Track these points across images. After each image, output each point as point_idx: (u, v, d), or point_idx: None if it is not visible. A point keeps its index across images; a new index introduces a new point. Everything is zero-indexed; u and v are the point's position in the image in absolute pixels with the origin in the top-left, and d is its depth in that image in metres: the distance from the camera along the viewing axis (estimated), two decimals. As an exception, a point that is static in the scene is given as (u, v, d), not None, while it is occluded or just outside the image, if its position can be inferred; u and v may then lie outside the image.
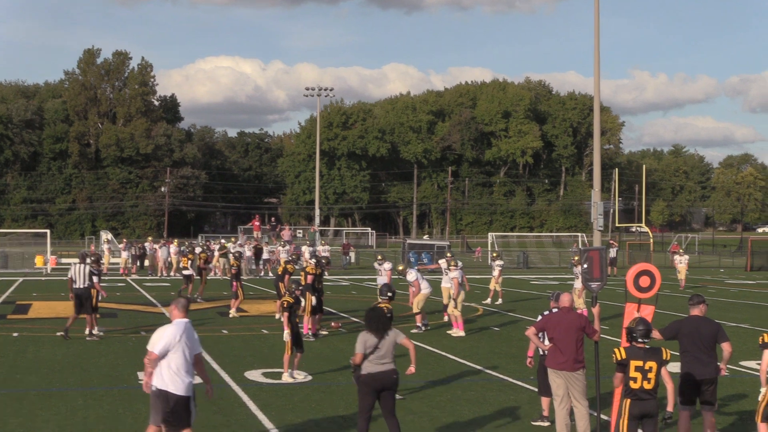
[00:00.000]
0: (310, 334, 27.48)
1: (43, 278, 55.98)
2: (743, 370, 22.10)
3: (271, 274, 56.20)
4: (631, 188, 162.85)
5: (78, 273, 27.65)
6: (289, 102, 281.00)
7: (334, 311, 34.57)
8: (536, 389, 17.22)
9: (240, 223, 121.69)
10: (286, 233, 77.23)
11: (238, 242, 65.48)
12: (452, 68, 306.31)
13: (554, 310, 15.43)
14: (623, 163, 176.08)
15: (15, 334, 28.47)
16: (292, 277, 30.56)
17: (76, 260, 28.97)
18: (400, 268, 31.89)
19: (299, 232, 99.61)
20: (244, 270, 54.66)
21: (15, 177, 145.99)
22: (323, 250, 63.96)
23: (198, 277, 41.26)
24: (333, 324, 30.02)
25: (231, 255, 57.25)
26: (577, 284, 33.13)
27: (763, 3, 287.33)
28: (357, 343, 13.72)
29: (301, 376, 20.62)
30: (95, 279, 28.39)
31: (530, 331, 15.16)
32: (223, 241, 68.85)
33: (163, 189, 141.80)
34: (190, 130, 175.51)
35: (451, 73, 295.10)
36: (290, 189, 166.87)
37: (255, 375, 21.07)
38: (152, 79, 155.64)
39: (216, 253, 56.09)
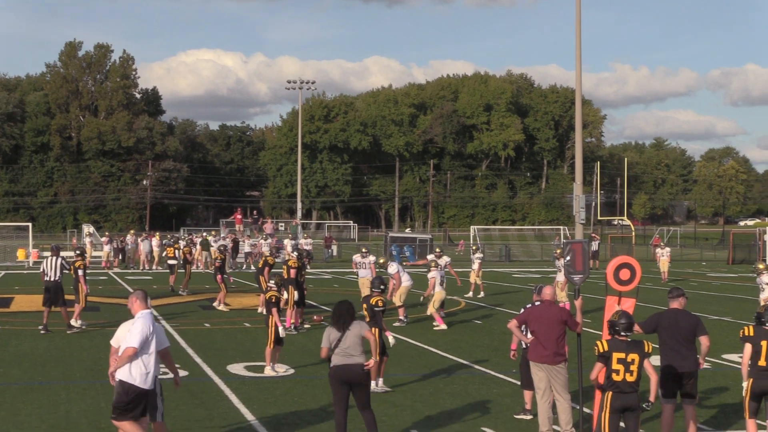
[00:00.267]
0: (292, 327, 27.51)
1: (25, 271, 55.87)
2: (725, 363, 22.18)
3: (252, 267, 56.15)
4: (612, 181, 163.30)
5: (50, 266, 27.62)
6: (270, 95, 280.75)
7: (315, 304, 34.59)
8: (519, 382, 17.25)
9: (222, 216, 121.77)
10: (268, 226, 77.06)
11: (222, 235, 65.36)
12: (434, 61, 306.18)
13: (537, 303, 15.47)
14: (605, 157, 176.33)
15: (-3, 328, 28.44)
16: (273, 270, 30.55)
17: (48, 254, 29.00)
18: (381, 261, 31.97)
19: (281, 226, 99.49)
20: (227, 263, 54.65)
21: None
22: (305, 243, 63.90)
23: (182, 270, 41.39)
24: (315, 317, 30.04)
25: (212, 248, 57.37)
26: (560, 277, 33.15)
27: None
28: (323, 337, 13.99)
29: (282, 370, 20.64)
30: (80, 273, 28.47)
31: (512, 324, 15.19)
32: (204, 234, 68.90)
33: (145, 182, 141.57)
34: (172, 123, 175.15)
35: (433, 66, 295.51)
36: (272, 182, 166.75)
37: (237, 368, 21.07)
38: (134, 72, 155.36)
39: (198, 247, 56.08)
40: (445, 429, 15.38)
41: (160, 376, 13.33)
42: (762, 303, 27.43)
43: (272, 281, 22.70)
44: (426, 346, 24.89)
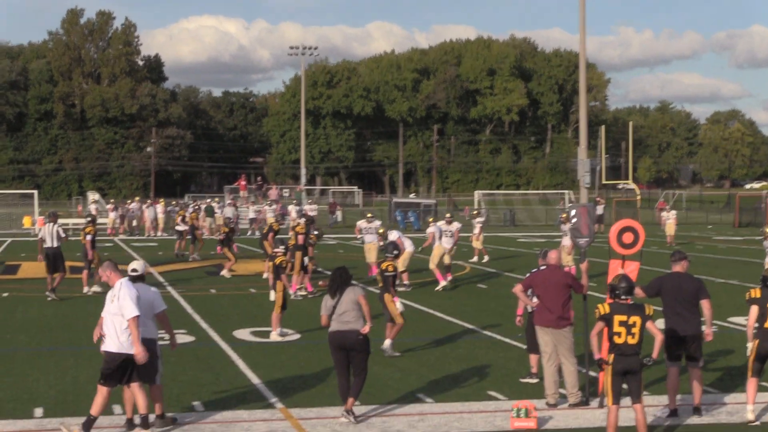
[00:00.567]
0: (298, 293, 27.57)
1: (31, 239, 55.96)
2: (731, 325, 22.25)
3: (257, 233, 56.22)
4: (617, 145, 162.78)
5: (48, 233, 27.67)
6: (273, 61, 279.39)
7: (321, 270, 34.65)
8: (525, 346, 17.30)
9: (226, 182, 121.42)
10: (272, 193, 77.27)
11: (227, 202, 65.40)
12: (436, 26, 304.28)
13: (542, 267, 15.49)
14: (609, 120, 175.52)
15: (5, 294, 28.57)
16: (278, 236, 30.62)
17: (47, 220, 29.11)
18: (381, 231, 32.03)
19: (285, 192, 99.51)
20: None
21: (1, 138, 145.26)
22: (310, 209, 63.93)
23: (190, 237, 41.47)
24: (321, 283, 30.09)
25: (217, 215, 57.53)
26: (566, 241, 33.23)
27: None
28: (321, 305, 14.21)
29: (288, 334, 20.74)
30: (88, 238, 28.72)
31: (517, 289, 15.24)
32: (208, 200, 69.04)
33: (148, 149, 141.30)
34: (175, 90, 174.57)
35: (435, 31, 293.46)
36: (276, 148, 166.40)
37: (243, 334, 21.16)
38: (136, 39, 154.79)
39: (202, 213, 56.21)
40: (452, 393, 15.44)
41: (159, 342, 13.45)
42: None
43: (281, 246, 22.76)
44: (431, 311, 24.98)
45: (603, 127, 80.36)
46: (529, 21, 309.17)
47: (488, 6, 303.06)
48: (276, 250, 22.73)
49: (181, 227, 42.48)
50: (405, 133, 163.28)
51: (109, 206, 64.15)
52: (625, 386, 12.43)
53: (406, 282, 29.83)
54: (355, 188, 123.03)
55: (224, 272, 34.02)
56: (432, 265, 30.50)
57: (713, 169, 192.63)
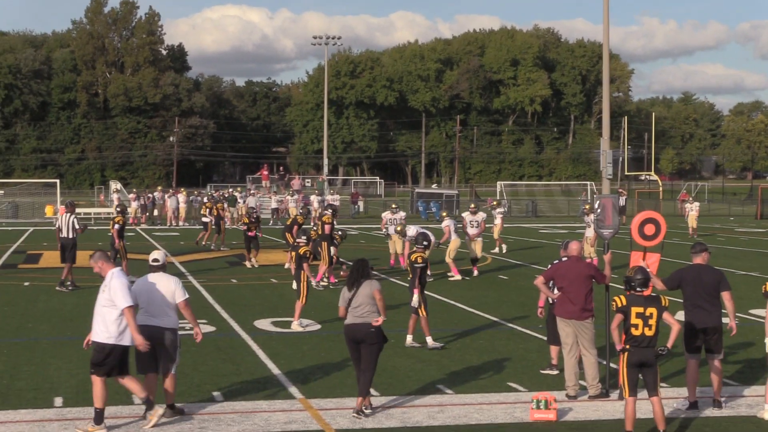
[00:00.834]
0: (320, 283, 27.54)
1: (53, 228, 56.11)
2: (752, 318, 22.16)
3: (280, 223, 56.27)
4: (640, 136, 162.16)
5: (64, 223, 27.63)
6: (296, 51, 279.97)
7: (343, 260, 34.66)
8: (545, 338, 17.28)
9: (249, 172, 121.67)
10: (295, 183, 77.34)
11: (251, 191, 65.50)
12: (460, 16, 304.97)
13: (564, 258, 15.45)
14: (632, 111, 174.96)
15: (26, 284, 28.65)
16: (302, 227, 30.64)
17: (64, 211, 29.13)
18: (398, 228, 32.08)
19: (308, 182, 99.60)
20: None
21: (24, 127, 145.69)
22: (332, 199, 63.96)
23: (215, 227, 41.44)
24: (343, 273, 30.10)
25: (239, 204, 57.66)
26: (589, 233, 33.20)
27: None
28: (340, 296, 14.18)
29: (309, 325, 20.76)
30: (116, 227, 28.99)
31: (539, 281, 15.20)
32: (230, 190, 69.26)
33: (171, 138, 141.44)
34: (198, 79, 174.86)
35: (459, 21, 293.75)
36: (298, 138, 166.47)
37: (264, 324, 21.18)
38: (159, 29, 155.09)
39: (225, 203, 56.36)
40: (472, 384, 15.42)
41: (180, 332, 13.44)
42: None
43: (303, 237, 22.82)
44: (452, 302, 24.95)
45: (626, 118, 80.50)
46: (553, 11, 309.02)
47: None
48: (298, 240, 22.78)
49: (207, 218, 42.46)
50: (428, 123, 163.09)
51: (131, 195, 64.31)
52: (641, 377, 12.39)
53: (457, 274, 30.14)
54: (377, 178, 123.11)
55: (247, 263, 33.98)
56: (448, 259, 30.61)
57: (736, 161, 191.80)
